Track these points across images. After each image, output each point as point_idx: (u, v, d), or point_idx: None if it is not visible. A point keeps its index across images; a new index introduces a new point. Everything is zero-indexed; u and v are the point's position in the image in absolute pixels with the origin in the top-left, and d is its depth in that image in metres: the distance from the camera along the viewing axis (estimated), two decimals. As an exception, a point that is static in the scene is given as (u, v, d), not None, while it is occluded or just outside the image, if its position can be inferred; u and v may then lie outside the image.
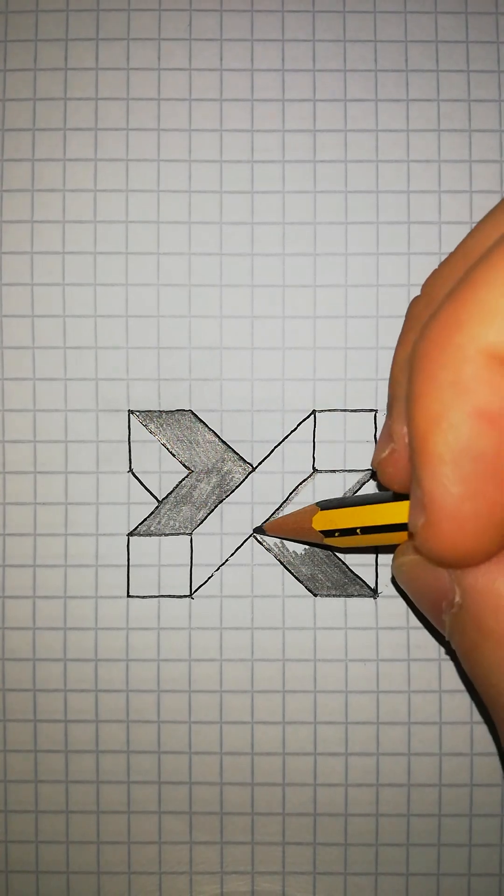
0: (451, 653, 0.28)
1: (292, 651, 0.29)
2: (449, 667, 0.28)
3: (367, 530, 0.25)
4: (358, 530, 0.25)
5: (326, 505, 0.26)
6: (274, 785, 0.29)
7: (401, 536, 0.24)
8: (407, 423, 0.19)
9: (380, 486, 0.28)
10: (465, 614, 0.20)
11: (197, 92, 0.29)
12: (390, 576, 0.29)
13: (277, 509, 0.29)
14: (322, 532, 0.26)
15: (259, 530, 0.29)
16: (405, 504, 0.23)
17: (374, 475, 0.29)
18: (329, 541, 0.26)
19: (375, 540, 0.25)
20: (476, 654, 0.20)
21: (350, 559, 0.29)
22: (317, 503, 0.27)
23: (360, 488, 0.29)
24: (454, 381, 0.17)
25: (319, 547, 0.29)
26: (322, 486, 0.29)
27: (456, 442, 0.17)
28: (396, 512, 0.24)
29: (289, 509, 0.29)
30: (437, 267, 0.21)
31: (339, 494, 0.29)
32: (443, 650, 0.28)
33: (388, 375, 0.29)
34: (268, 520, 0.29)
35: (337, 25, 0.29)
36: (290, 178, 0.29)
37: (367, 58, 0.29)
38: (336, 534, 0.25)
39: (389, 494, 0.24)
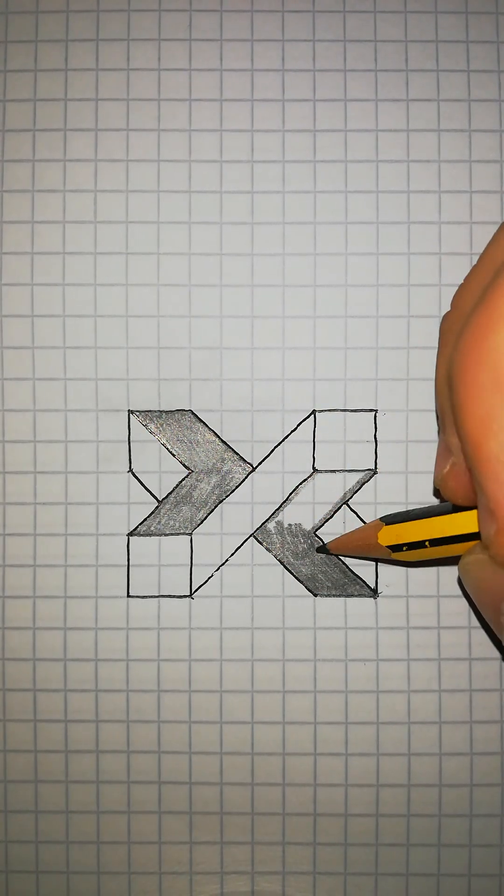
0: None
1: (292, 651, 0.29)
2: (449, 666, 0.28)
3: (436, 542, 0.24)
4: (427, 543, 0.24)
5: (391, 520, 0.26)
6: (274, 785, 0.29)
7: (471, 545, 0.23)
8: (458, 433, 0.19)
9: (442, 501, 0.28)
10: None
11: (197, 92, 0.29)
12: (449, 575, 0.29)
13: (277, 509, 0.29)
14: (389, 547, 0.25)
15: (322, 549, 0.29)
16: (473, 512, 0.23)
17: (437, 492, 0.29)
18: (397, 556, 0.25)
19: (445, 552, 0.24)
20: None
21: (350, 559, 0.29)
22: (380, 518, 0.26)
23: (360, 488, 0.29)
24: (495, 381, 0.17)
25: (385, 562, 0.29)
26: (322, 486, 0.29)
27: None
28: (465, 521, 0.23)
29: (289, 510, 0.29)
30: (462, 281, 0.21)
31: (339, 494, 0.29)
32: (443, 650, 0.28)
33: (388, 375, 0.29)
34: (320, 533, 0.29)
35: (337, 25, 0.29)
36: (290, 178, 0.29)
37: (367, 58, 0.29)
38: (404, 548, 0.25)
39: (450, 505, 0.24)
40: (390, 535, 0.25)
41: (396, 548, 0.25)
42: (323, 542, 0.29)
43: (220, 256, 0.29)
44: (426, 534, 0.25)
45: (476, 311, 0.18)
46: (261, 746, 0.29)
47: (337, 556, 0.29)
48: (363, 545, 0.27)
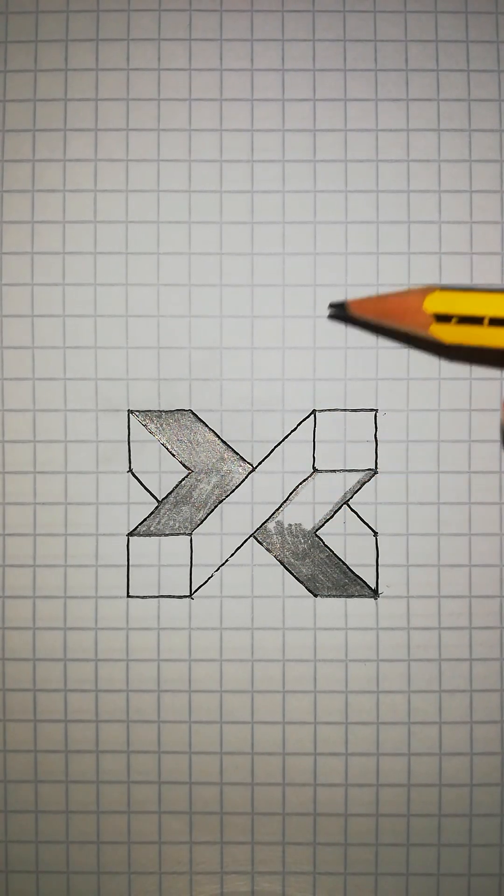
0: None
1: (292, 651, 0.29)
2: (449, 667, 0.28)
3: (499, 323, 0.20)
4: (486, 321, 0.20)
5: (447, 287, 0.21)
6: (274, 785, 0.29)
7: None
8: None
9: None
10: None
11: (197, 92, 0.29)
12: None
13: (277, 509, 0.29)
14: (435, 316, 0.21)
15: (338, 307, 0.24)
16: None
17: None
18: (437, 330, 0.21)
19: (501, 338, 0.20)
20: None
21: (350, 559, 0.29)
22: (431, 284, 0.21)
23: (360, 488, 0.29)
24: None
25: (415, 341, 0.23)
26: (322, 486, 0.29)
27: None
28: None
29: (289, 509, 0.29)
30: None
31: (339, 494, 0.29)
32: (443, 651, 0.28)
33: (388, 375, 0.29)
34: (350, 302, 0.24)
35: (337, 25, 0.29)
36: (290, 178, 0.29)
37: (367, 57, 0.29)
38: (453, 320, 0.20)
39: None
40: (441, 301, 0.21)
41: (444, 318, 0.21)
42: (323, 541, 0.29)
43: (220, 256, 0.29)
44: (491, 309, 0.20)
45: None
46: (261, 746, 0.29)
47: (351, 319, 0.24)
48: (399, 309, 0.22)
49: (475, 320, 0.20)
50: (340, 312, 0.24)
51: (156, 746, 0.29)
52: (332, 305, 0.24)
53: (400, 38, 0.29)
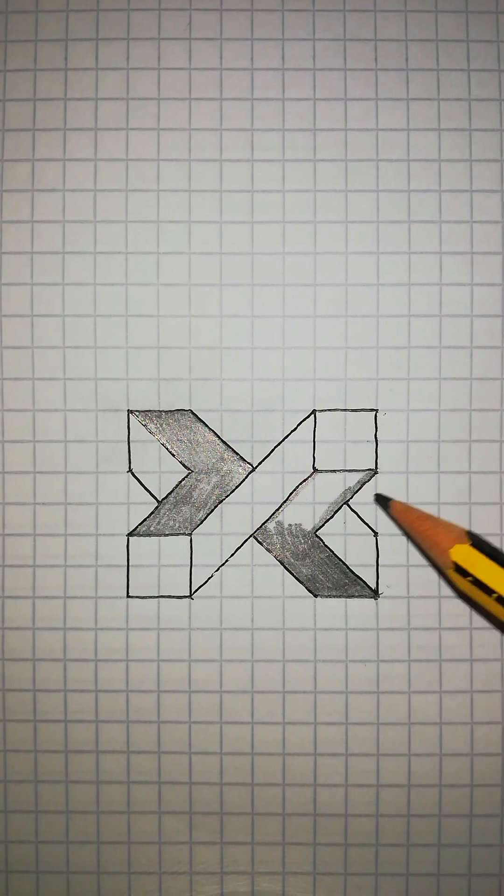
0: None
1: (292, 651, 0.29)
2: (449, 667, 0.28)
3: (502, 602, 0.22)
4: (495, 595, 0.22)
5: (478, 542, 0.23)
6: (274, 785, 0.29)
7: None
8: None
9: None
10: None
11: (197, 91, 0.29)
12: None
13: (277, 509, 0.29)
14: (455, 565, 0.23)
15: (383, 500, 0.26)
16: None
17: None
18: (454, 575, 0.23)
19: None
20: None
21: (351, 560, 0.29)
22: (468, 532, 0.23)
23: (360, 488, 0.29)
24: None
25: (435, 568, 0.26)
26: (322, 486, 0.29)
27: None
28: None
29: (289, 510, 0.29)
30: None
31: (339, 494, 0.29)
32: (443, 651, 0.28)
33: (388, 375, 0.29)
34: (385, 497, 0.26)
35: (337, 24, 0.29)
36: (291, 177, 0.29)
37: (368, 56, 0.29)
38: (469, 578, 0.22)
39: None
40: (465, 557, 0.23)
41: (463, 571, 0.23)
42: (323, 541, 0.29)
43: (220, 256, 0.29)
44: (502, 587, 0.22)
45: None
46: (261, 746, 0.29)
47: (389, 516, 0.26)
48: (431, 538, 0.24)
49: (488, 589, 0.22)
50: (383, 505, 0.26)
51: (156, 746, 0.29)
52: (378, 496, 0.27)
53: (400, 38, 0.29)
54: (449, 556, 0.23)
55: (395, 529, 0.29)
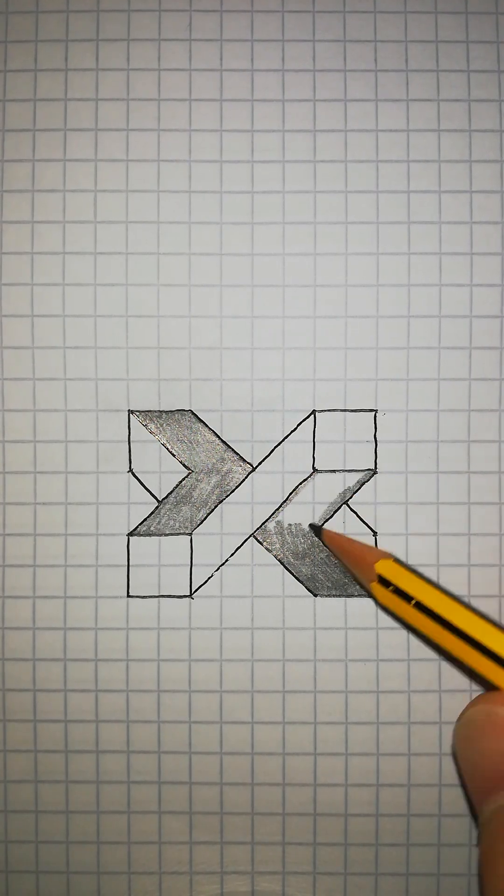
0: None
1: (292, 651, 0.29)
2: (448, 666, 0.28)
3: (423, 609, 0.24)
4: (413, 601, 0.24)
5: (401, 562, 0.25)
6: (274, 785, 0.29)
7: (450, 640, 0.23)
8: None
9: None
10: None
11: (197, 92, 0.29)
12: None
13: (277, 509, 0.29)
14: (379, 577, 0.25)
15: (316, 528, 0.28)
16: (487, 626, 0.23)
17: None
18: (376, 589, 0.25)
19: (422, 624, 0.24)
20: None
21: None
22: (394, 556, 0.26)
23: (360, 488, 0.29)
24: None
25: (361, 587, 0.28)
26: (322, 486, 0.29)
27: None
28: (474, 623, 0.23)
29: (289, 509, 0.29)
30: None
31: (338, 493, 0.29)
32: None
33: (388, 375, 0.29)
34: (326, 520, 0.29)
35: (337, 25, 0.29)
36: (291, 178, 0.29)
37: (368, 58, 0.29)
38: (391, 587, 0.24)
39: (473, 609, 0.23)
40: (388, 569, 0.25)
41: (385, 582, 0.25)
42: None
43: (220, 256, 0.29)
44: (419, 595, 0.24)
45: None
46: (261, 746, 0.29)
47: (322, 543, 0.28)
48: (358, 557, 0.26)
49: (407, 597, 0.24)
50: (316, 533, 0.28)
51: (156, 746, 0.29)
52: (311, 525, 0.28)
53: (400, 39, 0.29)
54: (374, 568, 0.25)
55: (394, 529, 0.29)
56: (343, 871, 0.29)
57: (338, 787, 0.29)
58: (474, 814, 0.28)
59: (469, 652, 0.23)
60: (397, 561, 0.25)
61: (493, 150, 0.29)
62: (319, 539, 0.28)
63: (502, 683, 0.22)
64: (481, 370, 0.29)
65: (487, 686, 0.23)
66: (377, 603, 0.27)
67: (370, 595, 0.27)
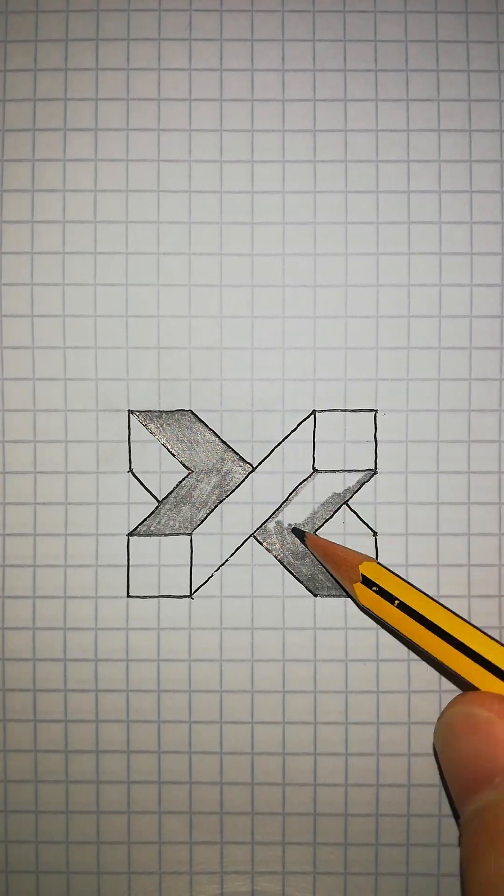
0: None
1: (292, 651, 0.29)
2: (449, 667, 0.28)
3: (406, 609, 0.24)
4: (396, 602, 0.24)
5: (384, 565, 0.26)
6: (274, 785, 0.29)
7: (431, 641, 0.23)
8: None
9: None
10: None
11: (197, 92, 0.29)
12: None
13: (277, 509, 0.29)
14: (363, 577, 0.25)
15: (298, 532, 0.28)
16: (466, 626, 0.23)
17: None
18: (359, 590, 0.25)
19: (403, 624, 0.24)
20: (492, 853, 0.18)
21: (350, 559, 0.29)
22: (377, 560, 0.26)
23: (360, 488, 0.29)
24: None
25: (345, 592, 0.28)
26: (322, 486, 0.29)
27: None
28: (455, 624, 0.23)
29: (289, 510, 0.29)
30: None
31: (338, 493, 0.29)
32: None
33: (388, 375, 0.29)
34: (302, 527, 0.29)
35: (337, 25, 0.29)
36: (290, 178, 0.29)
37: (368, 57, 0.29)
38: (374, 588, 0.25)
39: (455, 615, 0.24)
40: (373, 570, 0.25)
41: (369, 583, 0.25)
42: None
43: (220, 256, 0.29)
44: (403, 596, 0.24)
45: None
46: (261, 746, 0.29)
47: (306, 546, 0.28)
48: (341, 559, 0.26)
49: (390, 598, 0.24)
50: (299, 537, 0.28)
51: (156, 746, 0.29)
52: (294, 529, 0.29)
53: (400, 39, 0.29)
54: (358, 570, 0.25)
55: (394, 529, 0.29)
56: (343, 871, 0.29)
57: (338, 787, 0.29)
58: (456, 814, 0.28)
59: (449, 651, 0.23)
60: (380, 564, 0.26)
61: (493, 150, 0.29)
62: (303, 543, 0.28)
63: (480, 683, 0.22)
64: (481, 370, 0.29)
65: (465, 687, 0.23)
66: (358, 604, 0.27)
67: (351, 596, 0.27)
